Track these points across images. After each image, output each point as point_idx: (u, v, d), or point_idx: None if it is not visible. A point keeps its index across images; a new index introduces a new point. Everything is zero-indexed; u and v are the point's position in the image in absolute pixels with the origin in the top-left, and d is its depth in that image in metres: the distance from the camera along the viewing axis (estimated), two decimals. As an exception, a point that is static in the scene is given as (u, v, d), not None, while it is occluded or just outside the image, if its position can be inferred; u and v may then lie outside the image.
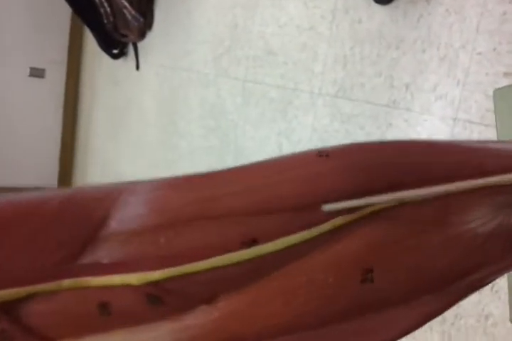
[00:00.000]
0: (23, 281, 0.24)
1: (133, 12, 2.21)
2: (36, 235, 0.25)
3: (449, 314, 0.98)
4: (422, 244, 0.29)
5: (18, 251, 0.25)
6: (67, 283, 0.24)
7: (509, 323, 0.84)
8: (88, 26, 2.64)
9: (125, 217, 0.25)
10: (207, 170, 0.28)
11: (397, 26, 1.15)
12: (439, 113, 1.05)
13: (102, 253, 0.25)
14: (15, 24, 2.89)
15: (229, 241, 0.26)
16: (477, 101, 0.98)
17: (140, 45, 2.38)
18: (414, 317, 0.31)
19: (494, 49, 0.95)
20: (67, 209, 0.25)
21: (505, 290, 0.85)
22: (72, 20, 3.00)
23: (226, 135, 1.79)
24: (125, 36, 2.39)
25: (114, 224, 0.25)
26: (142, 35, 2.31)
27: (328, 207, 0.27)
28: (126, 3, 2.21)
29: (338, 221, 0.28)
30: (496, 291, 0.89)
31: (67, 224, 0.25)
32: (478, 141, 0.36)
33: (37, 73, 3.04)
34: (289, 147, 1.48)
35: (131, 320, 0.26)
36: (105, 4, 2.31)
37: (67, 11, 2.79)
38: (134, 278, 0.24)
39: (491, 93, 0.91)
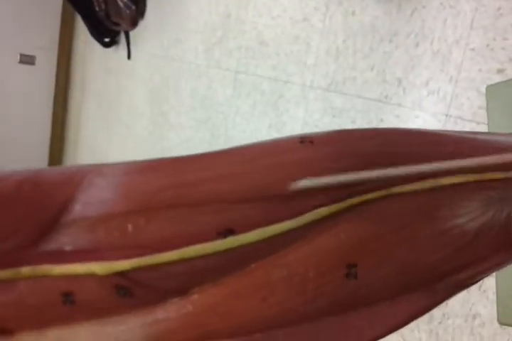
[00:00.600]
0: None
1: (125, 0, 2.18)
2: None
3: (437, 313, 0.98)
4: (409, 239, 0.28)
5: None
6: (25, 270, 0.22)
7: (496, 323, 0.83)
8: (80, 14, 2.60)
9: (91, 200, 0.23)
10: (184, 155, 0.26)
11: (390, 19, 1.13)
12: (431, 109, 1.04)
13: (65, 240, 0.23)
14: (4, 10, 2.85)
15: (203, 231, 0.24)
16: (469, 98, 0.97)
17: (132, 33, 2.35)
18: (400, 315, 0.30)
19: (488, 45, 0.94)
20: (25, 189, 0.23)
21: (494, 289, 0.84)
22: (64, 8, 2.96)
23: (217, 127, 1.77)
24: (117, 24, 2.36)
25: (79, 208, 0.23)
26: (134, 23, 2.27)
27: (300, 184, 0.25)
28: (119, -9, 2.18)
29: (322, 211, 0.26)
30: (484, 291, 0.88)
31: (25, 205, 0.23)
32: (468, 132, 0.34)
33: (27, 60, 3.00)
34: (279, 140, 1.47)
35: (98, 311, 0.24)
36: (97, -9, 2.28)
37: (58, -3, 2.76)
38: (98, 268, 0.22)
39: (483, 90, 0.90)
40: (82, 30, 2.81)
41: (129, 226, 0.23)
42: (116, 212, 0.23)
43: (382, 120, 1.17)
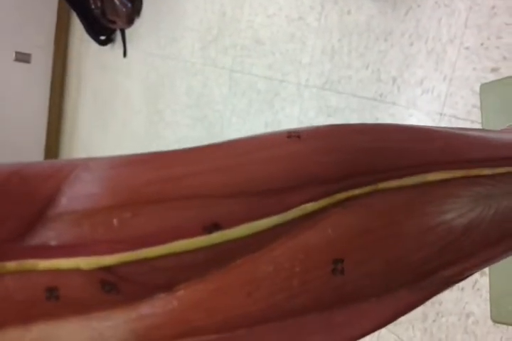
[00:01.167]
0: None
1: (121, -3, 2.17)
2: None
3: (431, 311, 0.98)
4: (396, 235, 0.28)
5: None
6: (12, 265, 0.22)
7: (490, 322, 0.83)
8: (75, 11, 2.59)
9: (77, 194, 0.23)
10: (172, 149, 0.26)
11: (385, 18, 1.13)
12: (425, 107, 1.04)
13: (51, 234, 0.23)
14: (0, 7, 2.84)
15: (190, 226, 0.24)
16: (463, 96, 0.97)
17: (128, 31, 2.34)
18: (386, 312, 0.30)
19: (482, 44, 0.94)
20: (10, 182, 0.23)
21: (487, 288, 0.84)
22: (59, 5, 2.95)
23: (212, 125, 1.77)
24: (113, 22, 2.35)
25: (65, 202, 0.23)
26: (130, 21, 2.27)
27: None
28: (115, -11, 2.18)
29: (309, 207, 0.26)
30: (478, 289, 0.88)
31: (10, 198, 0.22)
32: (461, 129, 0.34)
33: (23, 58, 2.99)
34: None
35: (84, 307, 0.24)
36: (93, -11, 2.27)
37: (54, -5, 2.75)
38: (83, 263, 0.22)
39: (477, 88, 0.90)
40: (77, 28, 2.80)
41: (115, 221, 0.23)
42: (101, 207, 0.23)
43: (377, 118, 1.17)
